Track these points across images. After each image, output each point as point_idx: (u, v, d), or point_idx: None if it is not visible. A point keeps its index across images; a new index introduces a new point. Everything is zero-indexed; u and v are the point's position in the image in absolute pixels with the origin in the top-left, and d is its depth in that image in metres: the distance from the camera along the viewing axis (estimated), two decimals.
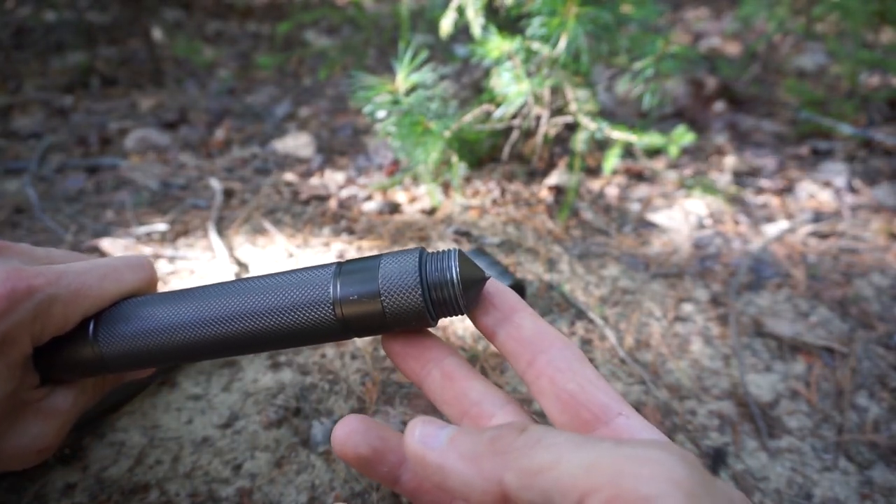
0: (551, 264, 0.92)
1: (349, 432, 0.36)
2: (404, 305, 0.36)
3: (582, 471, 0.23)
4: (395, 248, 0.92)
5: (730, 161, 1.35)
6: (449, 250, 0.37)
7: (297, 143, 1.38)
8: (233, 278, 0.84)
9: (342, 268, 0.38)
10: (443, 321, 0.77)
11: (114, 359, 0.41)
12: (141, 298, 0.43)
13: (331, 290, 0.37)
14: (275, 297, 0.38)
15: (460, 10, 0.99)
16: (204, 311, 0.39)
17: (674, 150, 1.01)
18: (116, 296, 0.43)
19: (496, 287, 0.39)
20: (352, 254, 0.91)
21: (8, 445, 0.41)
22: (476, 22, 0.98)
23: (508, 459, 0.26)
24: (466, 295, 0.36)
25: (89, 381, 0.46)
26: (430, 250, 0.38)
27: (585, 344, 0.77)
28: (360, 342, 0.74)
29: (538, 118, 1.07)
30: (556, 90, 1.04)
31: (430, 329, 0.40)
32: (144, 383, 0.65)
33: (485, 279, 0.38)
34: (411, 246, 0.93)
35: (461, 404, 0.37)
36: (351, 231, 0.98)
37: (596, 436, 0.32)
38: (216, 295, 0.40)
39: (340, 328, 0.37)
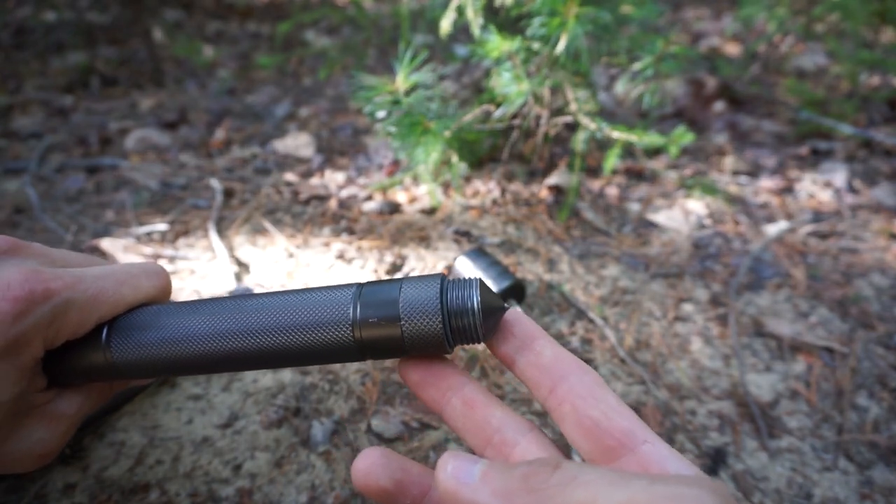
0: (551, 264, 0.92)
1: (370, 465, 0.35)
2: (423, 331, 0.36)
3: None
4: (395, 249, 0.92)
5: (730, 161, 1.35)
6: (471, 279, 0.38)
7: (297, 143, 1.38)
8: (233, 279, 0.84)
9: (363, 289, 0.38)
10: None
11: (125, 366, 0.41)
12: (156, 307, 0.43)
13: (350, 312, 0.37)
14: (294, 315, 0.38)
15: (460, 10, 0.99)
16: (220, 325, 0.39)
17: (674, 150, 1.01)
18: (132, 302, 0.42)
19: (514, 315, 0.39)
20: (352, 253, 0.91)
21: (11, 448, 0.41)
22: (476, 22, 0.98)
23: (543, 497, 0.26)
24: (486, 324, 0.37)
25: (95, 387, 0.45)
26: (450, 277, 0.38)
27: (585, 344, 0.77)
28: None
29: (538, 118, 1.07)
30: (556, 90, 1.04)
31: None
32: (144, 384, 0.65)
33: (504, 309, 0.38)
34: (411, 246, 0.93)
35: (484, 433, 0.37)
36: (351, 231, 0.98)
37: (622, 464, 0.32)
38: (233, 309, 0.40)
39: (357, 350, 0.38)
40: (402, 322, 0.36)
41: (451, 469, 0.29)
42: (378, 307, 0.37)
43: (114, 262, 0.46)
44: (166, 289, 0.46)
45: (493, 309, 0.37)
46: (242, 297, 0.41)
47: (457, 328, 0.37)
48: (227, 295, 0.43)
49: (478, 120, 1.00)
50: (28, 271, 0.37)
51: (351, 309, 0.37)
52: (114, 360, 0.40)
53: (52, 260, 0.42)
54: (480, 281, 0.37)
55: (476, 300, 0.36)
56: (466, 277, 0.38)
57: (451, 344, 0.37)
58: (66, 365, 0.41)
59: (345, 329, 0.37)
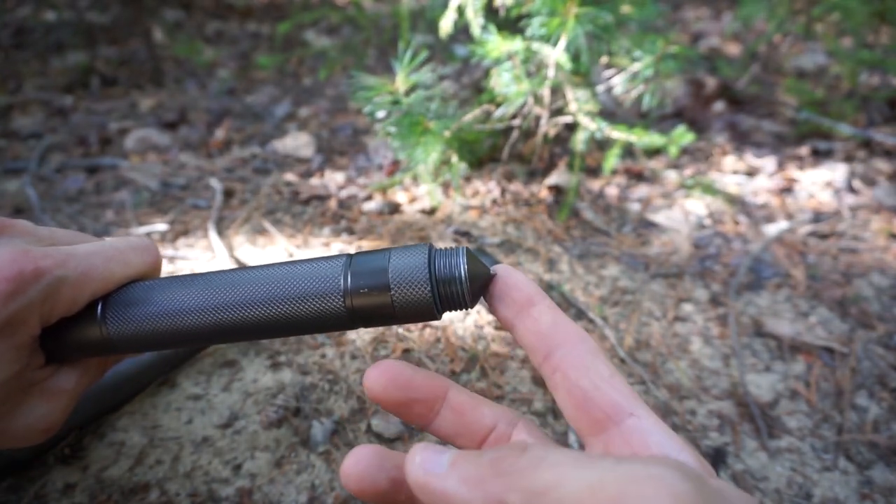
0: (551, 264, 0.92)
1: (365, 467, 0.33)
2: (413, 299, 0.37)
3: (586, 491, 0.24)
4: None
5: (730, 161, 1.35)
6: (457, 247, 0.39)
7: (297, 143, 1.38)
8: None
9: (352, 259, 0.39)
10: (444, 322, 0.77)
11: (121, 341, 0.41)
12: (151, 282, 0.43)
13: (341, 282, 0.38)
14: (286, 286, 0.39)
15: (460, 10, 0.99)
16: (213, 298, 0.40)
17: (674, 150, 1.01)
18: (123, 278, 0.43)
19: (516, 278, 0.38)
20: None
21: (14, 425, 0.41)
22: (476, 22, 0.98)
23: (511, 480, 0.26)
24: (472, 291, 0.38)
25: (93, 361, 0.46)
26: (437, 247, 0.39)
27: None
28: (361, 343, 0.74)
29: (538, 118, 1.07)
30: (556, 90, 1.04)
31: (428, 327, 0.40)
32: (144, 383, 0.65)
33: (491, 276, 0.39)
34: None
35: (478, 434, 0.37)
36: (351, 231, 0.98)
37: (608, 437, 0.32)
38: (226, 282, 0.41)
39: (348, 318, 0.39)
40: (393, 291, 0.37)
41: (420, 460, 0.28)
42: (368, 276, 0.38)
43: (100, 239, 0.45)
44: (156, 264, 0.46)
45: (479, 275, 0.38)
46: (234, 271, 0.42)
47: (445, 295, 0.37)
48: (221, 269, 0.44)
49: (478, 120, 1.00)
50: (17, 251, 0.38)
51: (342, 279, 0.38)
52: (110, 335, 0.41)
53: (39, 238, 0.42)
54: (467, 249, 0.38)
55: (463, 268, 0.37)
56: (454, 247, 0.39)
57: (440, 311, 0.38)
58: (64, 341, 0.42)
59: (336, 299, 0.38)
